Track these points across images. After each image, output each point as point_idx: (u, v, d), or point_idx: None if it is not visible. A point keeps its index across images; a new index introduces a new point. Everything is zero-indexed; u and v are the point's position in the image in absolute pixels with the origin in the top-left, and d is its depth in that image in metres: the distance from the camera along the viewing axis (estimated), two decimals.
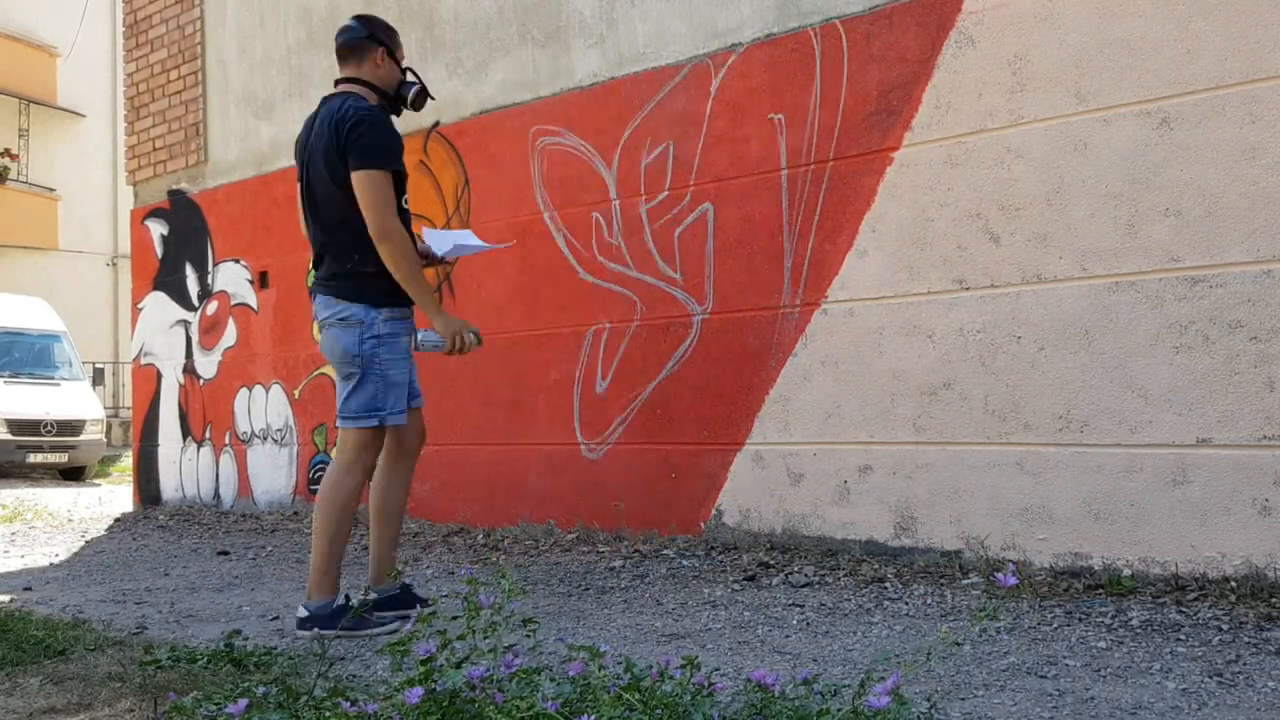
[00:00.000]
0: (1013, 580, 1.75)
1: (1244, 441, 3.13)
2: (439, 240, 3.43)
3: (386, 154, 3.04)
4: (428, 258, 3.37)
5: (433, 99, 3.44)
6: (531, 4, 5.07)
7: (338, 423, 3.17)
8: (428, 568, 4.33)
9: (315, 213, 3.15)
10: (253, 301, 6.61)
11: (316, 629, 2.97)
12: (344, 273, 3.08)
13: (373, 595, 3.09)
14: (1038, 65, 3.54)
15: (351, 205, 3.02)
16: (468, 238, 3.61)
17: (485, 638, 1.91)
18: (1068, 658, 2.55)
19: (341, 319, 3.07)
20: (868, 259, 3.92)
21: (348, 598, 3.16)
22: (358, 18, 3.30)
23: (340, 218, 3.07)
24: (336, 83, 3.25)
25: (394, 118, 3.25)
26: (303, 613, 3.06)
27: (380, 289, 3.07)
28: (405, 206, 3.17)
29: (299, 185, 3.24)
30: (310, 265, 3.27)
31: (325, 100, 3.19)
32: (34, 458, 11.96)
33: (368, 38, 3.20)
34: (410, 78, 3.29)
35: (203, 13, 7.04)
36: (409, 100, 3.27)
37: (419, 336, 3.14)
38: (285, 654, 2.73)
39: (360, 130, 3.00)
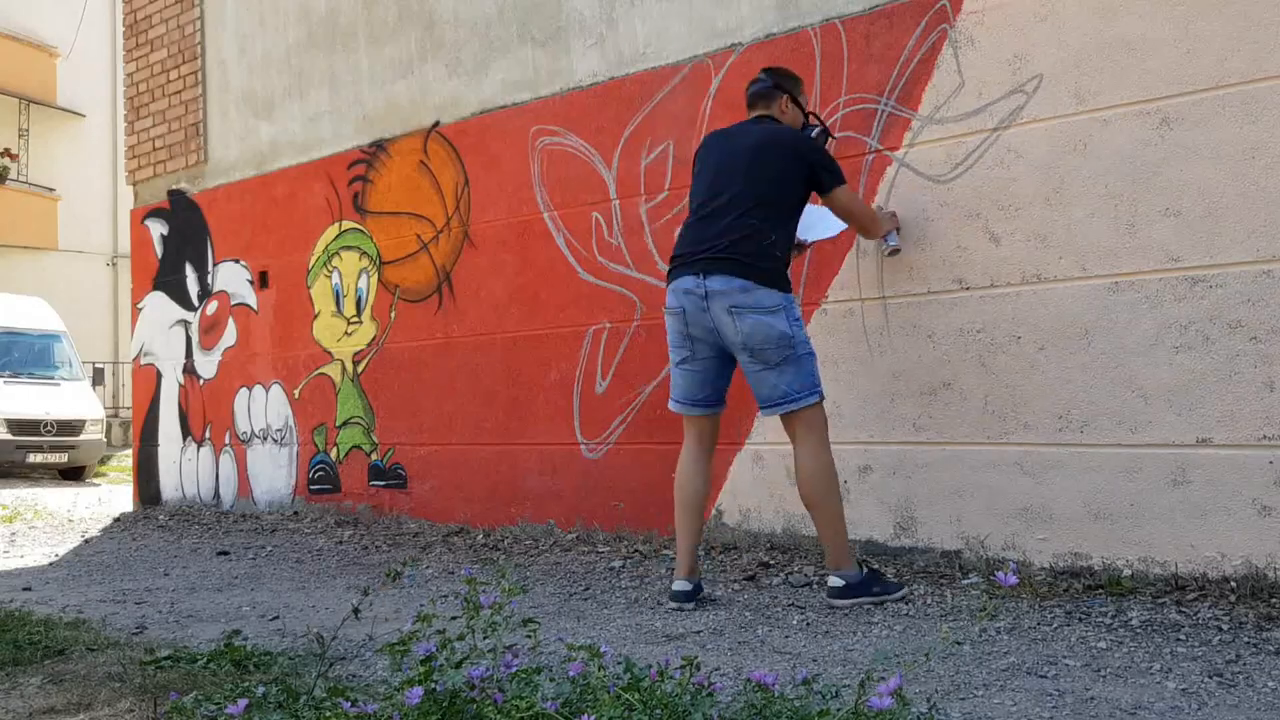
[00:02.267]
0: (1013, 580, 1.75)
1: (1244, 441, 3.13)
2: (806, 225, 3.62)
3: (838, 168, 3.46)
4: (800, 247, 3.72)
5: (834, 139, 3.74)
6: (531, 4, 5.07)
7: (779, 410, 3.26)
8: (428, 568, 4.33)
9: (736, 194, 3.29)
10: (252, 301, 6.61)
11: (854, 596, 3.21)
12: (764, 257, 3.23)
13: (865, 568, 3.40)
14: (1038, 65, 3.54)
15: (783, 204, 3.31)
16: (825, 219, 3.76)
17: (485, 638, 1.91)
18: (1068, 658, 2.55)
19: (766, 307, 3.20)
20: (868, 259, 3.92)
21: (866, 563, 3.47)
22: (765, 70, 3.58)
23: (765, 212, 3.27)
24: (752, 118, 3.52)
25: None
26: (838, 582, 3.23)
27: (787, 275, 3.30)
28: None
29: (705, 174, 3.42)
30: (685, 241, 3.37)
31: (750, 123, 3.49)
32: (34, 458, 11.96)
33: (774, 87, 3.49)
34: (813, 120, 3.57)
35: (203, 13, 7.04)
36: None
37: (891, 241, 3.73)
38: (285, 654, 2.73)
39: (820, 152, 3.39)
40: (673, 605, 3.33)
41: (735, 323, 3.19)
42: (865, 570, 3.32)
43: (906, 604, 3.23)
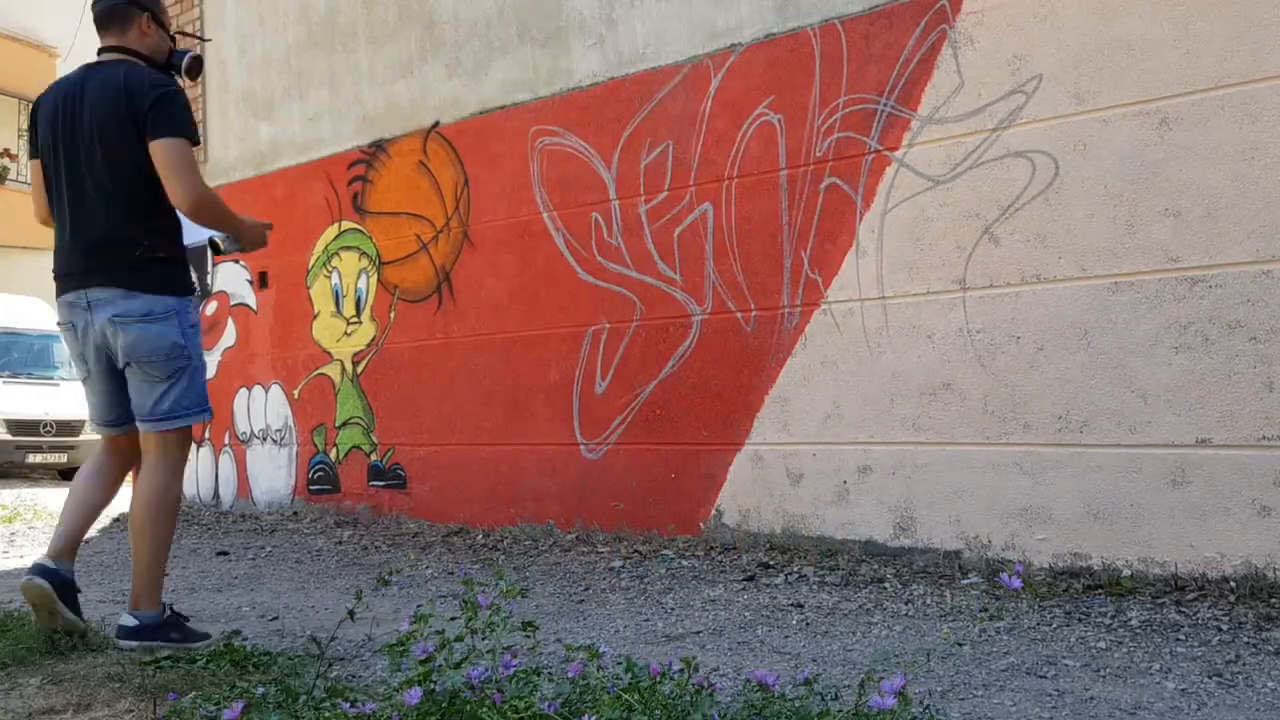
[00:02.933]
0: (1017, 583, 1.75)
1: (1244, 442, 3.13)
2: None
3: (191, 121, 2.84)
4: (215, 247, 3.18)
5: (201, 60, 3.12)
6: (531, 4, 5.07)
7: (155, 426, 2.87)
8: (427, 568, 4.33)
9: (85, 190, 2.86)
10: (252, 301, 6.61)
11: (146, 639, 2.82)
12: (137, 260, 2.80)
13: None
14: (1037, 65, 3.54)
15: (145, 182, 2.78)
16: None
17: (484, 639, 1.91)
18: (1067, 658, 2.55)
19: (149, 314, 2.80)
20: (868, 259, 3.92)
21: (171, 607, 2.98)
22: None
23: (126, 195, 2.80)
24: (99, 52, 2.98)
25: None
26: (131, 622, 2.84)
27: (181, 274, 2.89)
28: None
29: (47, 164, 2.98)
30: (61, 249, 2.96)
31: (90, 69, 2.92)
32: (33, 458, 11.95)
33: (129, 4, 2.92)
34: (181, 45, 3.04)
35: (202, 13, 7.04)
36: (183, 70, 3.03)
37: (221, 241, 3.00)
38: (285, 654, 2.73)
39: (164, 101, 2.77)
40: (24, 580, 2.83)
41: (120, 334, 2.81)
42: (169, 613, 2.92)
43: (907, 604, 3.23)
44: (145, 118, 2.75)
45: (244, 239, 2.99)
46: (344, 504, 5.94)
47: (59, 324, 2.98)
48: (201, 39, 3.02)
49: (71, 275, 2.91)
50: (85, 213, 2.88)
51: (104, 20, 2.97)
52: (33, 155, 3.04)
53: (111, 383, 2.95)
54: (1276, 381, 3.09)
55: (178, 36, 3.07)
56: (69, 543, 2.90)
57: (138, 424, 2.92)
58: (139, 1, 2.95)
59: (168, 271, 2.87)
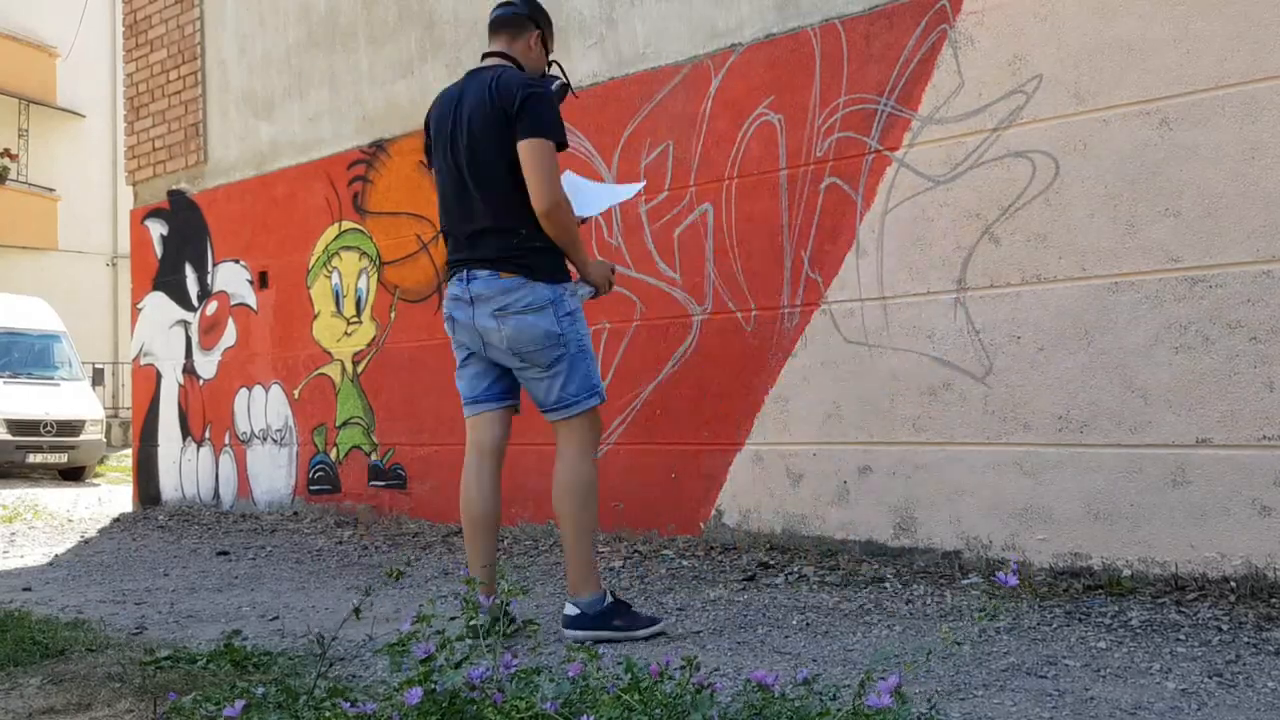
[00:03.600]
0: (1013, 580, 1.75)
1: (1244, 442, 3.13)
2: (583, 199, 3.15)
3: (557, 126, 2.89)
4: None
5: (575, 95, 3.37)
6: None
7: (554, 415, 2.94)
8: (427, 568, 4.33)
9: (466, 187, 2.93)
10: (252, 301, 6.61)
11: (587, 627, 2.83)
12: (514, 249, 2.86)
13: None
14: (1038, 65, 3.54)
15: (516, 179, 2.85)
16: (608, 191, 3.36)
17: (484, 639, 1.91)
18: (1067, 658, 2.55)
19: (528, 305, 2.85)
20: (868, 259, 3.92)
21: (613, 594, 2.95)
22: None
23: (502, 192, 2.88)
24: (483, 57, 3.08)
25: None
26: (573, 610, 2.85)
27: (558, 262, 2.91)
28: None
29: (436, 166, 3.06)
30: (449, 243, 3.02)
31: (473, 74, 3.00)
32: (34, 458, 11.96)
33: (528, 18, 3.04)
34: (554, 70, 3.14)
35: (203, 13, 7.04)
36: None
37: (581, 291, 3.02)
38: (285, 654, 2.73)
39: (532, 101, 2.84)
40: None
41: (500, 326, 2.86)
42: (611, 599, 2.90)
43: (907, 604, 3.23)
44: (515, 115, 2.83)
45: (591, 275, 3.02)
46: (344, 504, 5.94)
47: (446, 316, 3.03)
48: (567, 84, 3.08)
49: (454, 265, 3.00)
50: (465, 207, 2.96)
51: (499, 24, 3.06)
52: (428, 165, 3.16)
53: (482, 364, 3.05)
54: (1277, 381, 3.09)
55: (553, 63, 3.16)
56: (490, 573, 2.94)
57: (544, 416, 2.99)
58: (537, 19, 3.07)
59: (544, 260, 2.89)
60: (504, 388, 3.07)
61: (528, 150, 2.81)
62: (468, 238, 2.94)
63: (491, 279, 2.87)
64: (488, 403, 3.09)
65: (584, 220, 3.14)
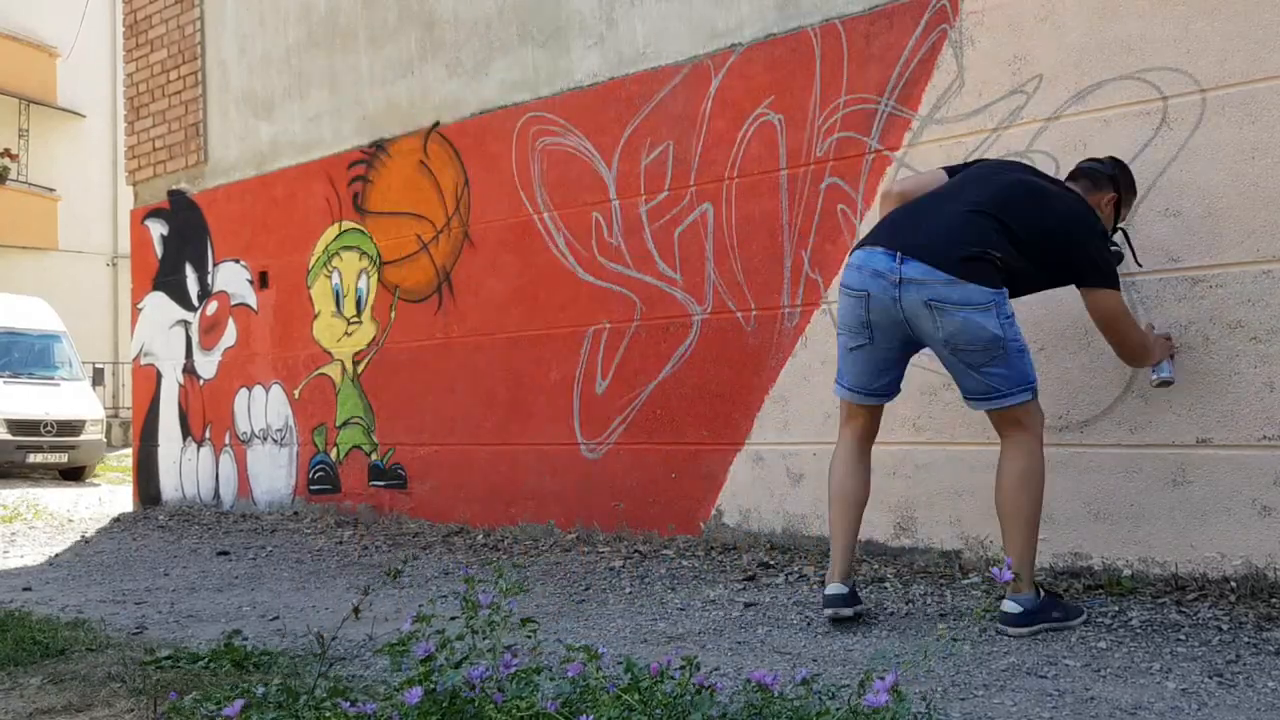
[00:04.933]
0: (1008, 575, 1.75)
1: (1244, 441, 3.12)
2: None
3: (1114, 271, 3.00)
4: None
5: (1132, 257, 3.27)
6: (531, 4, 5.07)
7: (988, 405, 2.94)
8: (428, 568, 4.33)
9: (981, 198, 2.94)
10: (252, 301, 6.61)
11: (1032, 624, 2.80)
12: (979, 257, 2.84)
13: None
14: (1038, 65, 3.54)
15: (1012, 241, 2.88)
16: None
17: (485, 638, 1.91)
18: (1067, 658, 2.55)
19: (978, 304, 2.82)
20: None
21: (1040, 588, 2.94)
22: (1113, 159, 3.17)
23: (1004, 230, 2.89)
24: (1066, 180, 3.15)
25: None
26: (1014, 608, 2.80)
27: (998, 271, 2.88)
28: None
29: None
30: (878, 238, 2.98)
31: (1051, 178, 3.10)
32: (34, 458, 11.95)
33: (1109, 177, 3.10)
34: (1118, 238, 3.17)
35: (203, 13, 7.04)
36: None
37: (1163, 373, 3.13)
38: (285, 654, 2.73)
39: (1097, 238, 2.95)
40: (828, 612, 2.97)
41: (937, 318, 2.84)
42: (1042, 594, 2.92)
43: (907, 604, 3.23)
44: (1076, 247, 2.92)
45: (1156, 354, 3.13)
46: (344, 504, 5.94)
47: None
48: (1130, 248, 3.22)
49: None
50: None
51: (1081, 172, 3.12)
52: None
53: (892, 354, 3.02)
54: (1277, 381, 3.09)
55: (1120, 229, 3.20)
56: (849, 557, 3.00)
57: (970, 405, 3.01)
58: (1119, 184, 3.10)
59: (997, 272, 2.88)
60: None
61: (1105, 300, 2.95)
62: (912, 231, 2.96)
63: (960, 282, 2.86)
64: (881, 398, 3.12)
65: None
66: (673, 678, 1.75)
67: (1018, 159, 3.36)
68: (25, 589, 4.17)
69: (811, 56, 4.09)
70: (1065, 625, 2.84)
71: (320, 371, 6.15)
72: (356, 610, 2.09)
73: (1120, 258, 3.11)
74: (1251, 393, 3.12)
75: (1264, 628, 2.75)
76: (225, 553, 5.10)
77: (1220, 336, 3.17)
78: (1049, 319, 3.49)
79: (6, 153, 19.03)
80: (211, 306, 6.89)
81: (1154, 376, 3.14)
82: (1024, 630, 2.78)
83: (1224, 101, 3.18)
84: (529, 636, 2.01)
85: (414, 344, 5.58)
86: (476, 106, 5.32)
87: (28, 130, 19.79)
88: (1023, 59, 3.57)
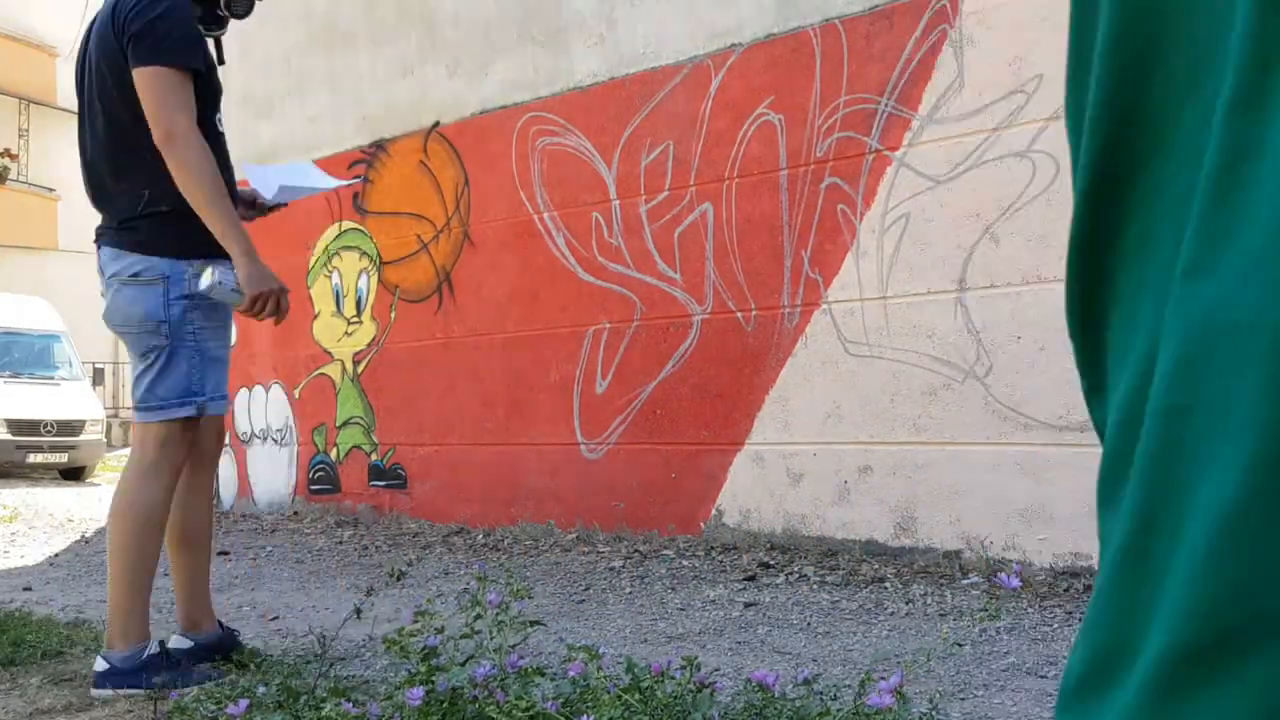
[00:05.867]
0: (1016, 583, 1.75)
1: None
2: (264, 179, 2.78)
3: (184, 47, 2.33)
4: (254, 206, 2.83)
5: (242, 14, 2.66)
6: (531, 4, 5.07)
7: (136, 415, 2.44)
8: (428, 568, 4.33)
9: (93, 136, 2.49)
10: None
11: (118, 687, 2.34)
12: (134, 215, 2.40)
13: (185, 643, 2.56)
14: (1038, 65, 3.54)
15: (140, 122, 2.32)
16: (304, 174, 2.91)
17: (492, 637, 1.91)
18: (1067, 658, 2.55)
19: (135, 275, 2.40)
20: (868, 259, 3.92)
21: (162, 644, 2.53)
22: None
23: (122, 140, 2.40)
24: None
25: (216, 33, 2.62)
26: (101, 665, 2.38)
27: (189, 232, 2.36)
28: (220, 128, 2.56)
29: (79, 107, 2.56)
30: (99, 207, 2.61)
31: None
32: (34, 458, 11.95)
33: None
34: None
35: None
36: (226, 2, 2.57)
37: (215, 275, 2.35)
38: (286, 653, 2.73)
39: (149, 17, 2.30)
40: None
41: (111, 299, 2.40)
42: (155, 649, 2.48)
43: (907, 604, 3.23)
44: (128, 42, 2.32)
45: (240, 267, 2.46)
46: (344, 504, 5.94)
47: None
48: None
49: (96, 234, 2.59)
50: (89, 162, 2.54)
51: None
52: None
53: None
54: None
55: None
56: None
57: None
58: None
59: (166, 227, 2.40)
60: None
61: (142, 80, 2.29)
62: (94, 199, 2.54)
63: (109, 247, 2.48)
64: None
65: (274, 207, 2.81)
66: (673, 678, 1.75)
67: None
68: (25, 589, 4.17)
69: (811, 56, 4.09)
70: (179, 687, 2.30)
71: (320, 371, 6.15)
72: (359, 610, 2.09)
73: (248, 4, 2.62)
74: None
75: None
76: (225, 552, 5.09)
77: None
78: (1049, 319, 3.49)
79: (6, 153, 19.02)
80: None
81: (216, 276, 2.42)
82: (106, 693, 2.35)
83: None
84: (528, 637, 2.01)
85: (414, 344, 5.58)
86: (476, 106, 5.32)
87: (27, 130, 19.79)
88: (1023, 59, 3.57)
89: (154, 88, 2.27)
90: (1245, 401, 0.36)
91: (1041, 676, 2.40)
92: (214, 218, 2.34)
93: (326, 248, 6.13)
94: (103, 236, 2.54)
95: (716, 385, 4.33)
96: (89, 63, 2.45)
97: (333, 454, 6.03)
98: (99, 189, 2.54)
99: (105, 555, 2.51)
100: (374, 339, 5.82)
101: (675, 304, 4.46)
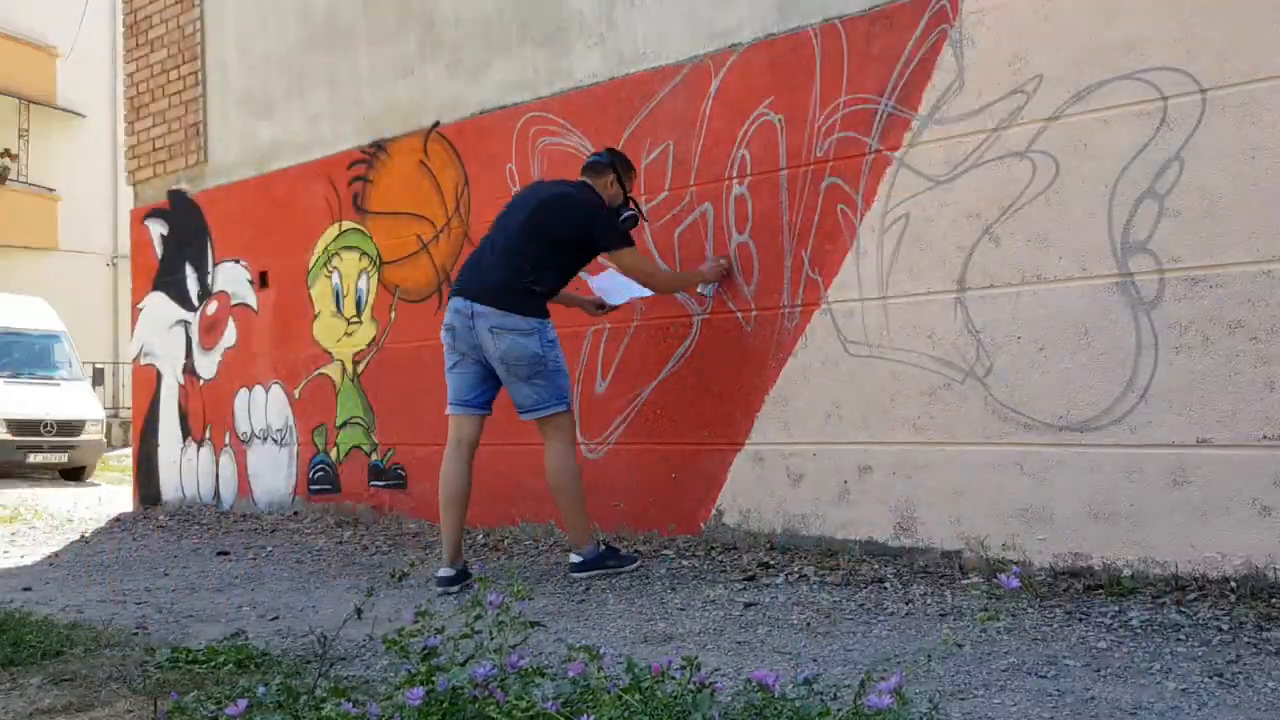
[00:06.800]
0: (1015, 583, 1.75)
1: (1244, 441, 3.13)
2: (611, 289, 4.27)
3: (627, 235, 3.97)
4: (601, 307, 4.36)
5: (645, 220, 4.27)
6: (531, 4, 5.07)
7: (530, 415, 3.86)
8: (429, 568, 4.33)
9: (510, 239, 3.84)
10: (252, 301, 6.61)
11: (592, 570, 3.83)
12: (522, 289, 3.75)
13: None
14: (1038, 65, 3.54)
15: (548, 252, 3.83)
16: (624, 282, 4.17)
17: (492, 637, 1.91)
18: (1068, 658, 2.55)
19: (521, 330, 3.72)
20: (868, 259, 3.92)
21: (604, 542, 4.07)
22: (608, 149, 4.12)
23: (534, 254, 3.80)
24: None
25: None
26: (576, 559, 3.87)
27: (543, 304, 3.82)
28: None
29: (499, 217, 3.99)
30: (462, 276, 3.96)
31: (562, 181, 4.11)
32: (34, 458, 11.95)
33: (607, 165, 4.00)
34: (629, 208, 4.02)
35: (203, 13, 7.04)
36: (620, 221, 4.00)
37: (708, 291, 4.25)
38: (286, 653, 2.73)
39: (603, 221, 3.89)
40: (439, 590, 3.76)
41: (494, 341, 3.74)
42: (603, 547, 3.94)
43: (907, 604, 3.23)
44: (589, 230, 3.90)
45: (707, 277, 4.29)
46: (344, 504, 5.94)
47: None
48: (640, 212, 4.14)
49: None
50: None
51: (586, 166, 4.04)
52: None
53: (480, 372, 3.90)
54: (1277, 381, 3.09)
55: (632, 199, 4.08)
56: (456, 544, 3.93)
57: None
58: (615, 166, 4.01)
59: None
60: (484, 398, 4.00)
61: (626, 258, 3.95)
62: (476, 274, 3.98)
63: (498, 310, 3.80)
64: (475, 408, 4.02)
65: (614, 307, 4.36)
66: (674, 678, 1.75)
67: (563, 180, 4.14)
68: (25, 589, 4.17)
69: (811, 56, 4.09)
70: (620, 570, 3.85)
71: (320, 371, 6.15)
72: (359, 610, 2.09)
73: (635, 219, 4.01)
74: (1252, 393, 3.12)
75: (1264, 628, 2.75)
76: (225, 553, 5.10)
77: (1220, 336, 3.17)
78: (1049, 319, 3.49)
79: (6, 153, 19.03)
80: (211, 306, 6.90)
81: (701, 291, 4.27)
82: (583, 575, 3.81)
83: (1224, 101, 3.18)
84: (527, 638, 2.01)
85: (414, 344, 5.58)
86: (476, 106, 5.32)
87: (28, 130, 19.79)
88: (1023, 59, 3.57)
89: (631, 262, 4.02)
90: None
91: (1041, 676, 2.40)
92: (678, 287, 4.38)
93: (326, 248, 6.13)
94: (485, 298, 3.81)
95: (716, 385, 4.32)
96: (524, 206, 3.96)
97: (333, 454, 6.03)
98: (494, 269, 3.95)
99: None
100: (374, 339, 5.82)
101: (675, 304, 4.46)
